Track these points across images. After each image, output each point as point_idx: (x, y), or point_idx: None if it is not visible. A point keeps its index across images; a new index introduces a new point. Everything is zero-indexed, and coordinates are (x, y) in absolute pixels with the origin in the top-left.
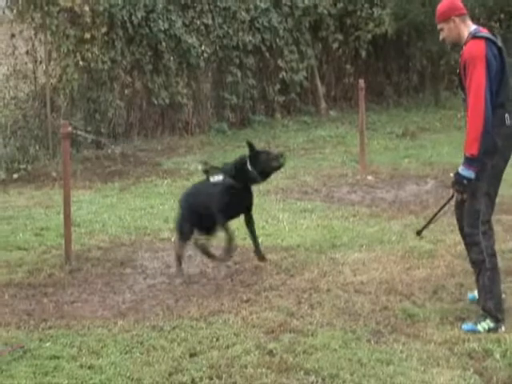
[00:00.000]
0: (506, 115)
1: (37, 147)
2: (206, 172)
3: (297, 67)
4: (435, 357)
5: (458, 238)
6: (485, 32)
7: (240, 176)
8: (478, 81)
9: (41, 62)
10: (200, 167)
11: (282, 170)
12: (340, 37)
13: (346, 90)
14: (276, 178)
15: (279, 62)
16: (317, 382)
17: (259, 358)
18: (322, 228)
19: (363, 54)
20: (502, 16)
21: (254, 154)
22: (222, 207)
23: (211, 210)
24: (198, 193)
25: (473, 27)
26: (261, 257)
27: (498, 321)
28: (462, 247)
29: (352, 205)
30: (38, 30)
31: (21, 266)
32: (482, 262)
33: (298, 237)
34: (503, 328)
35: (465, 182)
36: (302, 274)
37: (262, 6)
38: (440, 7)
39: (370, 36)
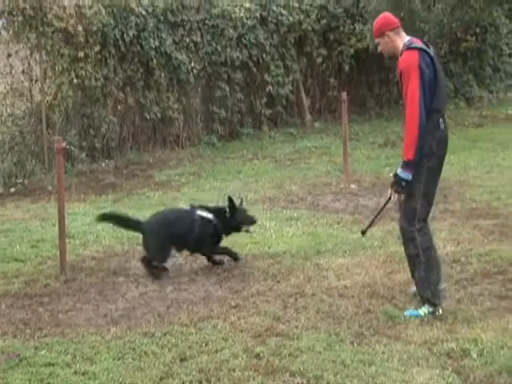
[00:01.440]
0: (441, 120)
1: (33, 162)
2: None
3: (283, 81)
4: (415, 357)
5: (437, 242)
6: (418, 43)
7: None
8: (412, 90)
9: (36, 81)
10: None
11: (269, 179)
12: (324, 52)
13: (330, 103)
14: (263, 188)
15: (266, 76)
16: (302, 383)
17: (247, 362)
18: (308, 235)
19: (346, 67)
20: (478, 30)
21: (233, 209)
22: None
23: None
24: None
25: (407, 38)
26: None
27: (435, 305)
28: (440, 252)
29: (336, 212)
30: (33, 49)
31: (18, 277)
32: (417, 256)
33: (285, 244)
34: (440, 311)
35: (403, 183)
36: (288, 280)
37: (249, 23)
38: (375, 24)
39: (352, 50)
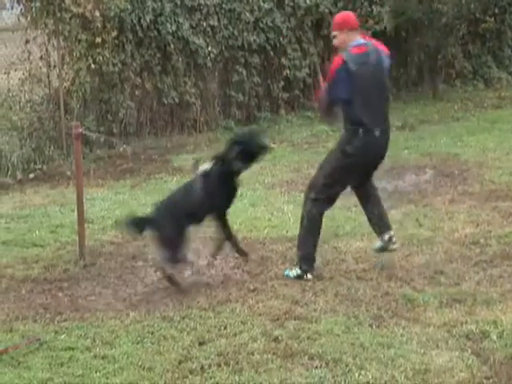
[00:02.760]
0: (360, 130)
1: (52, 148)
2: (195, 166)
3: (300, 65)
4: (434, 339)
5: (456, 225)
6: (357, 51)
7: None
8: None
9: (54, 67)
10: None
11: (287, 163)
12: None
13: None
14: (281, 172)
15: (283, 60)
16: (321, 366)
17: (265, 345)
18: (325, 218)
19: None
20: (496, 11)
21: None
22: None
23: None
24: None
25: (356, 42)
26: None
27: (302, 270)
28: (459, 234)
29: (354, 195)
30: (51, 35)
31: (37, 262)
32: (303, 219)
33: None
34: (309, 276)
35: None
36: None
37: (266, 6)
38: (337, 18)
39: (369, 33)
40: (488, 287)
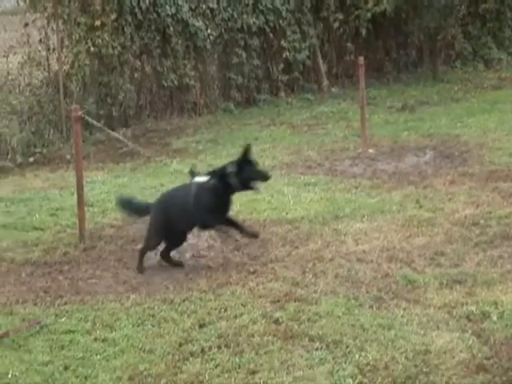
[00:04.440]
0: None
1: (51, 131)
2: (192, 173)
3: (299, 47)
4: (435, 320)
5: (456, 206)
6: None
7: (222, 181)
8: None
9: (54, 50)
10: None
11: (286, 145)
12: (340, 16)
13: (347, 68)
14: (281, 154)
15: (282, 42)
16: (321, 348)
17: (265, 327)
18: (325, 200)
19: (363, 32)
20: None
21: (241, 164)
22: (211, 208)
23: (195, 216)
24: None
25: None
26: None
27: None
28: (459, 215)
29: (354, 177)
30: (50, 18)
31: (37, 246)
32: None
33: (302, 209)
34: None
35: None
36: (307, 245)
37: None
38: None
39: (369, 15)
40: (488, 268)
